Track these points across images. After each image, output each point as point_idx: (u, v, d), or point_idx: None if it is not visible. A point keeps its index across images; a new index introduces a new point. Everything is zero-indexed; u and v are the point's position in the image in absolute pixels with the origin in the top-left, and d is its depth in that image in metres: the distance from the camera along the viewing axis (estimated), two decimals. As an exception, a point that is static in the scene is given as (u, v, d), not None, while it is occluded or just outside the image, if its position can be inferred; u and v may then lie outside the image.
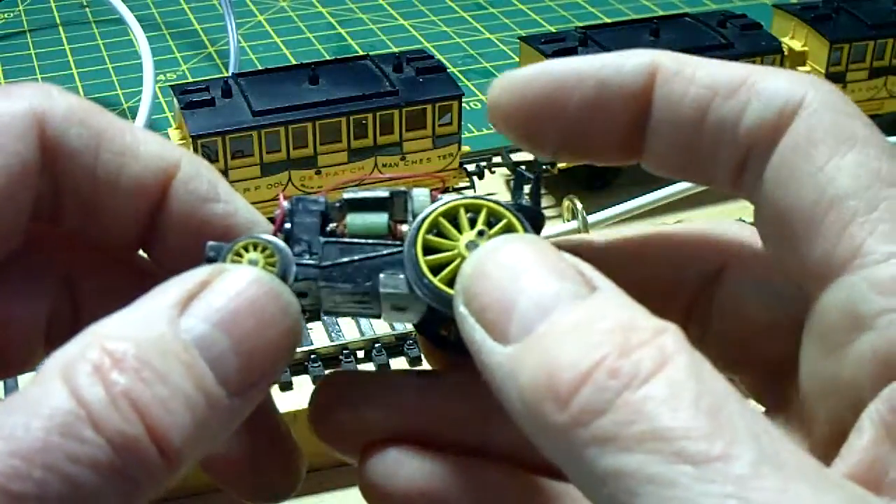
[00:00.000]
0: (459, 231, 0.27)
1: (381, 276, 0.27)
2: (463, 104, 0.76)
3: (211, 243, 0.28)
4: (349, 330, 0.64)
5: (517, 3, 1.17)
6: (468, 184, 0.79)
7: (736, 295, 0.30)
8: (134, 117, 0.88)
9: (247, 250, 0.27)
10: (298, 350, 0.61)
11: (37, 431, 0.22)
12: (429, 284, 0.27)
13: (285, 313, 0.26)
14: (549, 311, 0.23)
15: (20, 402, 0.22)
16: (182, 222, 0.30)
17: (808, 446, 0.27)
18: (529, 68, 0.28)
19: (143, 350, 0.23)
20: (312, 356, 0.61)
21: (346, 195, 0.28)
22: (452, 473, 0.28)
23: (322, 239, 0.28)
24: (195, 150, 0.70)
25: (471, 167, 0.79)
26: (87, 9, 1.15)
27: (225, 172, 0.71)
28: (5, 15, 1.14)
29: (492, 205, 0.27)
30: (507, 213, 0.27)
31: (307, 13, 1.15)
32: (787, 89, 0.26)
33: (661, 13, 1.01)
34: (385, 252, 0.27)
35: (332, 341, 0.62)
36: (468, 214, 0.27)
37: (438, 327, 0.29)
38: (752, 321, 0.29)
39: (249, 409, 0.25)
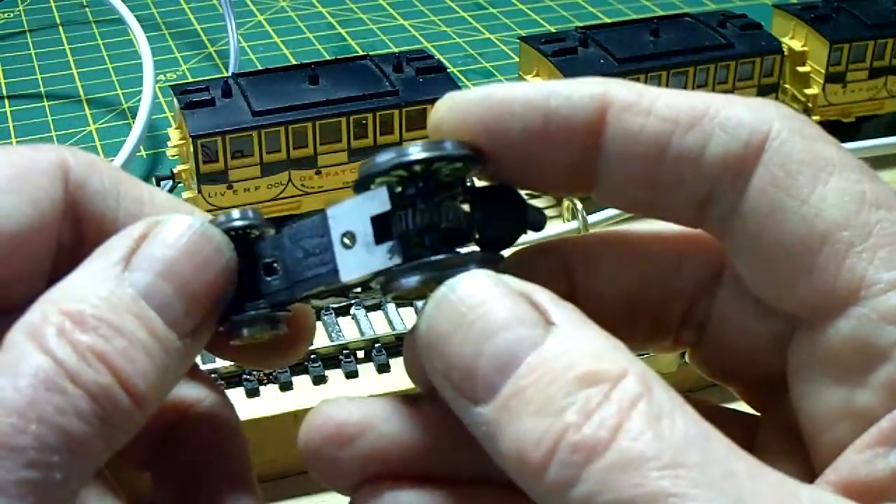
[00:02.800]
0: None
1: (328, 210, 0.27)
2: (463, 104, 0.76)
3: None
4: (349, 330, 0.64)
5: (517, 3, 1.17)
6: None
7: (733, 299, 0.30)
8: (134, 117, 0.88)
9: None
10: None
11: (26, 389, 0.24)
12: (365, 169, 0.27)
13: (219, 253, 0.28)
14: (509, 368, 0.24)
15: (2, 369, 0.24)
16: None
17: (802, 459, 0.27)
18: (474, 91, 0.28)
19: (98, 308, 0.25)
20: (312, 356, 0.61)
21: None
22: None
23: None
24: (195, 149, 0.70)
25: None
26: (87, 9, 1.15)
27: (225, 172, 0.71)
28: (5, 15, 1.14)
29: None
30: (460, 166, 0.27)
31: (307, 13, 1.15)
32: (752, 118, 0.26)
33: (661, 13, 1.00)
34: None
35: (333, 341, 0.62)
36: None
37: (390, 258, 0.27)
38: (748, 326, 0.29)
39: (200, 347, 0.28)
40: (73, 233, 0.30)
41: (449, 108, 0.28)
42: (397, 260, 0.26)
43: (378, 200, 0.26)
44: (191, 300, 0.27)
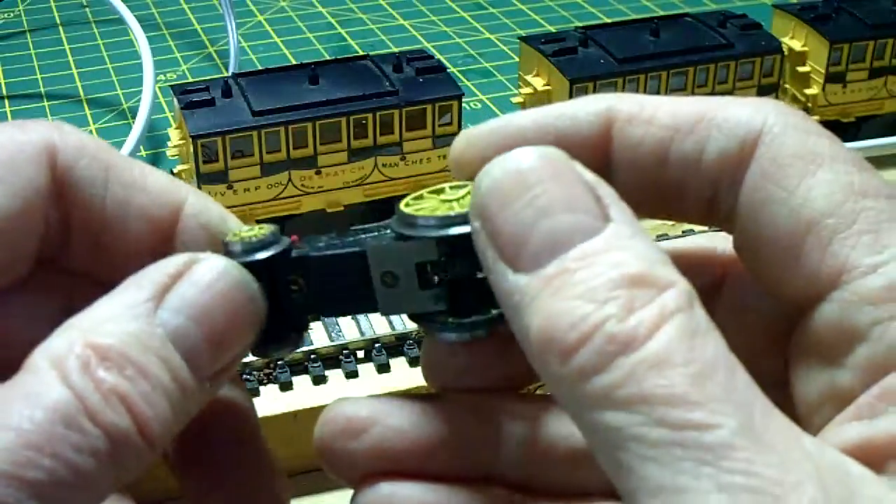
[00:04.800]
0: (439, 194, 0.28)
1: (368, 239, 0.28)
2: (463, 104, 0.76)
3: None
4: (349, 330, 0.64)
5: (517, 3, 1.17)
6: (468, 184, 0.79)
7: (735, 307, 0.30)
8: (134, 117, 0.88)
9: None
10: (298, 350, 0.61)
11: (43, 423, 0.23)
12: (416, 219, 0.27)
13: (252, 303, 0.27)
14: (560, 248, 0.24)
15: (17, 394, 0.24)
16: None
17: None
18: (486, 124, 0.29)
19: (125, 346, 0.25)
20: (312, 356, 0.61)
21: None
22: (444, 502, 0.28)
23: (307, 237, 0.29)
24: (195, 149, 0.70)
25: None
26: (87, 9, 1.15)
27: (225, 172, 0.71)
28: (5, 15, 1.14)
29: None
30: None
31: (307, 13, 1.15)
32: (746, 117, 0.27)
33: (661, 13, 1.01)
34: (370, 234, 0.28)
35: (332, 341, 0.62)
36: (452, 192, 0.28)
37: (434, 307, 0.28)
38: (751, 332, 0.30)
39: (217, 391, 0.28)
40: (61, 216, 0.29)
41: (466, 144, 0.29)
42: (442, 306, 0.28)
43: (427, 250, 0.27)
44: (218, 347, 0.27)
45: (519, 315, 0.24)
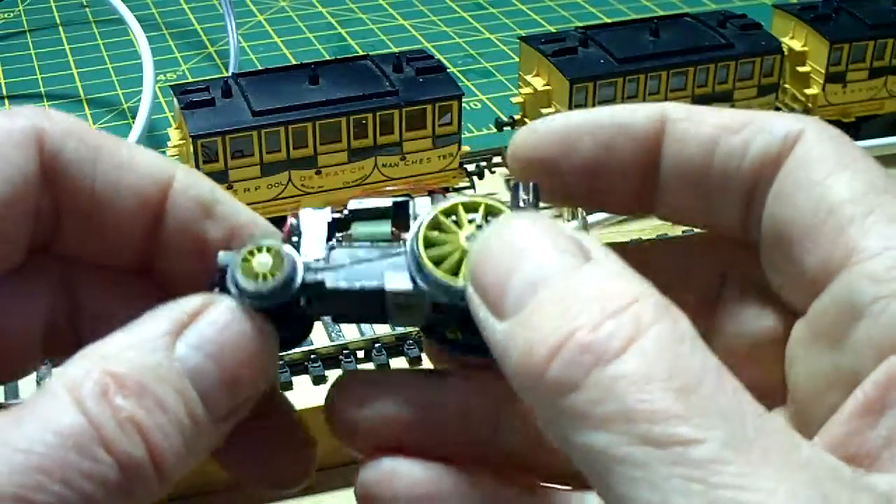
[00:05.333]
0: (459, 227, 0.28)
1: (387, 274, 0.28)
2: (463, 104, 0.76)
3: (222, 253, 0.28)
4: (349, 330, 0.64)
5: (517, 3, 1.17)
6: (468, 184, 0.79)
7: (739, 300, 0.30)
8: (134, 117, 0.88)
9: (252, 255, 0.28)
10: (298, 350, 0.61)
11: (55, 448, 0.23)
12: (430, 275, 0.27)
13: (267, 347, 0.27)
14: (540, 285, 0.24)
15: (30, 416, 0.24)
16: (184, 231, 0.30)
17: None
18: (549, 118, 0.31)
19: (143, 376, 0.25)
20: (312, 356, 0.61)
21: (351, 205, 0.29)
22: (447, 483, 0.28)
23: (328, 244, 0.29)
24: (195, 149, 0.70)
25: (471, 167, 0.79)
26: (87, 9, 1.15)
27: (225, 172, 0.71)
28: (5, 15, 1.14)
29: (490, 202, 0.28)
30: (505, 209, 0.28)
31: (307, 13, 1.15)
32: (789, 124, 0.28)
33: (661, 13, 1.01)
34: (390, 253, 0.28)
35: (333, 341, 0.62)
36: (468, 214, 0.28)
37: (444, 329, 0.29)
38: (755, 326, 0.30)
39: (227, 432, 0.27)
40: (51, 201, 0.29)
41: (527, 135, 0.30)
42: (453, 326, 0.29)
43: (441, 298, 0.28)
44: (232, 387, 0.26)
45: (503, 358, 0.24)
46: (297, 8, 1.17)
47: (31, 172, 0.28)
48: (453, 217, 0.28)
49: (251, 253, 0.28)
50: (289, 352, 0.31)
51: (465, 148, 0.78)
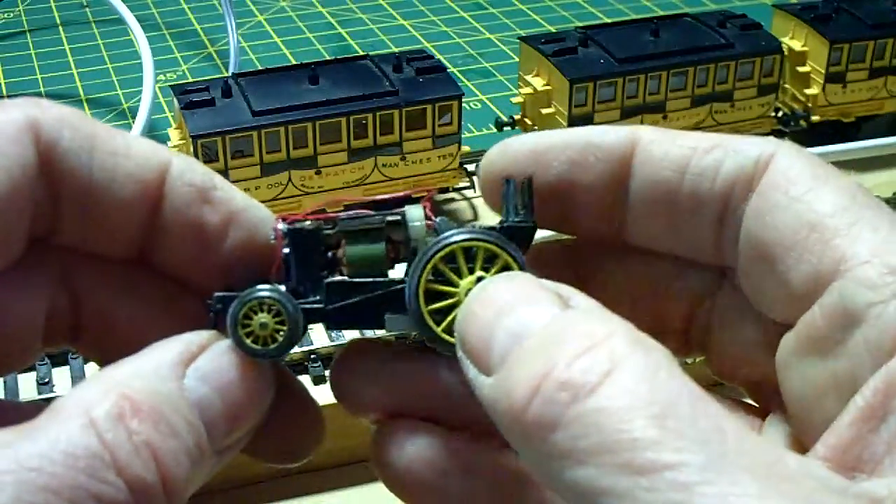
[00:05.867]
0: (459, 275, 0.28)
1: (387, 318, 0.29)
2: (463, 104, 0.76)
3: (217, 294, 0.29)
4: (349, 330, 0.64)
5: (517, 3, 1.17)
6: (468, 184, 0.79)
7: (732, 303, 0.30)
8: (134, 117, 0.88)
9: (255, 312, 0.28)
10: (298, 350, 0.61)
11: (66, 468, 0.23)
12: (431, 331, 0.28)
13: (268, 390, 0.28)
14: (522, 337, 0.24)
15: (42, 434, 0.24)
16: (182, 217, 0.30)
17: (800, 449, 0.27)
18: (522, 136, 0.31)
19: (158, 402, 0.25)
20: (312, 356, 0.61)
21: (342, 224, 0.29)
22: (455, 452, 0.29)
23: (324, 280, 0.29)
24: (195, 149, 0.70)
25: (471, 167, 0.79)
26: (87, 9, 1.15)
27: (225, 172, 0.71)
28: (5, 15, 1.14)
29: (486, 245, 0.28)
30: (502, 253, 0.28)
31: (307, 13, 1.15)
32: (761, 145, 0.29)
33: (661, 13, 1.01)
34: (388, 290, 0.29)
35: (333, 341, 0.62)
36: (468, 264, 0.28)
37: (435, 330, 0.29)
38: (747, 328, 0.30)
39: (220, 467, 0.28)
40: (49, 191, 0.29)
41: (499, 155, 0.31)
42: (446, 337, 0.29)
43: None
44: (234, 422, 0.27)
45: (491, 411, 0.25)
46: (297, 8, 1.17)
47: (28, 164, 0.28)
48: (453, 264, 0.28)
49: (252, 310, 0.28)
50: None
51: (465, 148, 0.78)
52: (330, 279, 0.29)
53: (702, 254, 0.30)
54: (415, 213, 0.29)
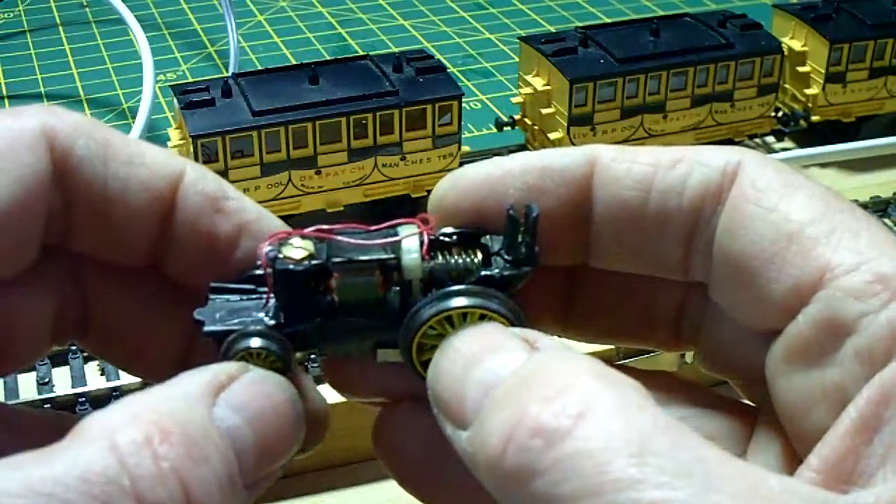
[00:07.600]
0: (453, 326, 0.28)
1: (379, 352, 0.29)
2: (463, 104, 0.76)
3: (206, 326, 0.28)
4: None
5: (517, 3, 1.17)
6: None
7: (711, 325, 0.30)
8: (134, 117, 0.88)
9: (245, 360, 0.28)
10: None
11: (80, 496, 0.22)
12: (423, 379, 0.28)
13: (298, 423, 0.27)
14: (491, 387, 0.24)
15: (60, 458, 0.23)
16: (194, 226, 0.30)
17: (790, 454, 0.27)
18: (476, 164, 0.30)
19: (189, 430, 0.24)
20: (312, 356, 0.61)
21: (332, 254, 0.28)
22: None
23: (316, 318, 0.29)
24: (195, 149, 0.70)
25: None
26: (87, 9, 1.15)
27: (225, 172, 0.71)
28: (5, 15, 1.14)
29: (484, 308, 0.28)
30: (496, 316, 0.28)
31: (307, 13, 1.15)
32: (726, 155, 0.28)
33: (661, 13, 1.01)
34: (381, 327, 0.29)
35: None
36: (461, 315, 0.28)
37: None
38: (736, 325, 0.29)
39: (252, 500, 0.26)
40: (63, 199, 0.29)
41: (451, 181, 0.30)
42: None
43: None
44: (264, 455, 0.26)
45: (470, 465, 0.24)
46: (297, 8, 1.17)
47: (43, 172, 0.28)
48: (448, 322, 0.28)
49: (249, 355, 0.28)
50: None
51: (466, 148, 0.78)
52: (321, 320, 0.29)
53: (669, 272, 0.29)
54: (410, 247, 0.28)
